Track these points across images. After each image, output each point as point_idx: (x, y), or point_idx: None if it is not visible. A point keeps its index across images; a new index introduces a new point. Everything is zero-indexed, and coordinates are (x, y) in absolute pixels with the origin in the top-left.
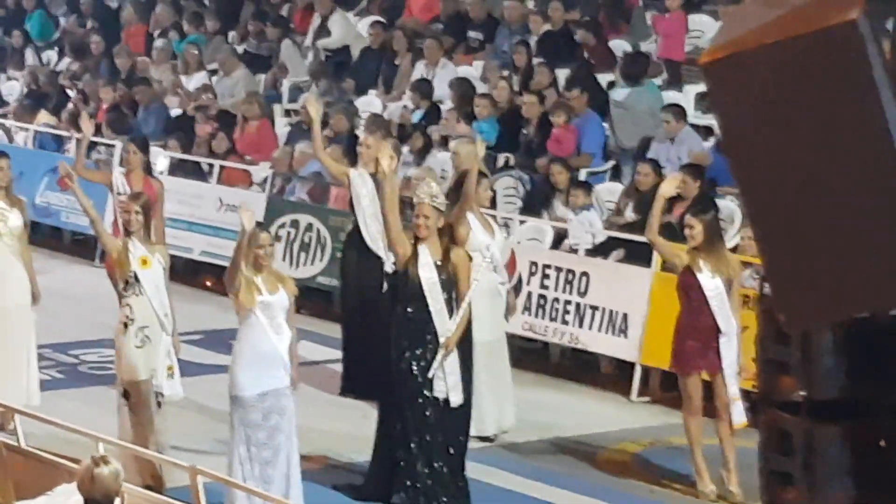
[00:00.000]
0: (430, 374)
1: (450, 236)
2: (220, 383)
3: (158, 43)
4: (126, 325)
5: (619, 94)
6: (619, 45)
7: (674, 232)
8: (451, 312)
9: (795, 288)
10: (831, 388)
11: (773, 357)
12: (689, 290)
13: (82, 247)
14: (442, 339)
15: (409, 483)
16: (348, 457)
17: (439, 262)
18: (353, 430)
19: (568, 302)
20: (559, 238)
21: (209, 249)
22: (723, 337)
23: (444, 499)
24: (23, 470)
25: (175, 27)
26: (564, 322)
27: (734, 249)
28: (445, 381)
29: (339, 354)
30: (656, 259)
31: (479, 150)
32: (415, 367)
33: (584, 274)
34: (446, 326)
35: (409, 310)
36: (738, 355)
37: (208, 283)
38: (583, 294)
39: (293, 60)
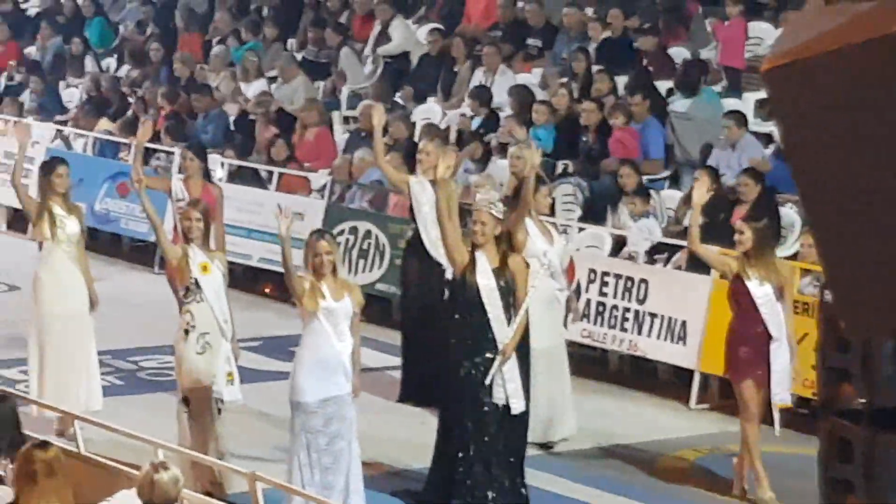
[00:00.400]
0: (488, 381)
1: (508, 243)
2: (279, 390)
3: (215, 50)
4: (187, 332)
5: (682, 104)
6: (679, 53)
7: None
8: (509, 319)
9: (857, 295)
10: (893, 396)
11: (834, 365)
12: (740, 297)
13: (141, 253)
14: (500, 346)
15: (467, 491)
16: (407, 463)
17: (497, 269)
18: (412, 436)
19: (627, 309)
20: (618, 245)
21: (268, 256)
22: (773, 343)
23: None
24: (82, 476)
25: (234, 34)
26: (623, 329)
27: (794, 257)
28: (505, 388)
29: (397, 361)
30: None
31: (535, 157)
32: (474, 374)
33: (643, 281)
34: (505, 333)
35: (467, 317)
36: (791, 360)
37: (267, 290)
38: (641, 301)
39: (352, 68)
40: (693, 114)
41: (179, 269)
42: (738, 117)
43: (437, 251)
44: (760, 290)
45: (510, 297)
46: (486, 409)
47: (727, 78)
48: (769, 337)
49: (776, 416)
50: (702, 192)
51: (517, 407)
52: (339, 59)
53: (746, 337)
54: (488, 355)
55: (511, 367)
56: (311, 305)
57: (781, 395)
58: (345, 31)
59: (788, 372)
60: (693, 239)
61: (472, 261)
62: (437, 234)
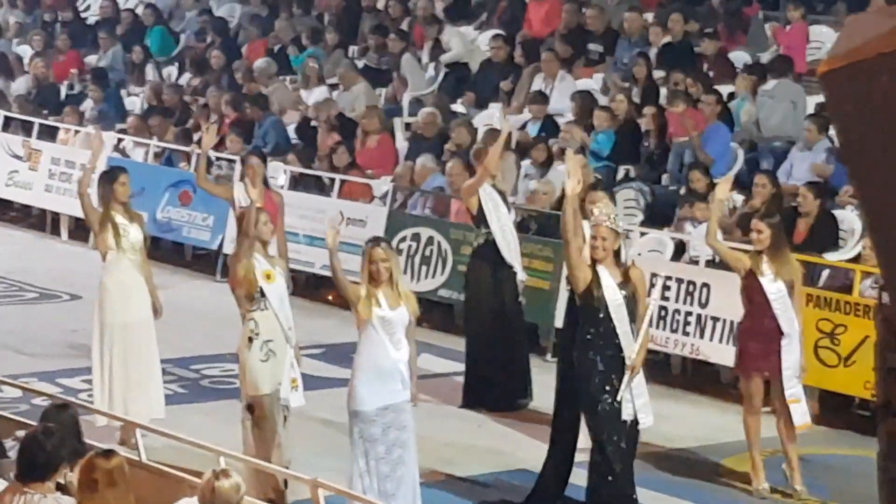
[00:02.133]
0: (619, 397)
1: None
2: (341, 397)
3: (259, 63)
4: (251, 340)
5: (768, 84)
6: (739, 57)
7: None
8: (634, 333)
9: None
10: None
11: (893, 366)
12: (752, 293)
13: (203, 262)
14: (628, 361)
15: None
16: (470, 469)
17: (621, 283)
18: (474, 442)
19: (689, 313)
20: (680, 250)
21: None
22: (784, 339)
23: None
24: (144, 484)
25: (294, 42)
26: (685, 333)
27: (855, 259)
28: (633, 403)
29: (459, 367)
30: None
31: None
32: (607, 391)
33: (705, 285)
34: (632, 348)
35: (596, 333)
36: (801, 357)
37: (329, 298)
38: (703, 305)
39: (413, 74)
40: (779, 95)
41: (247, 279)
42: (820, 122)
43: (510, 255)
44: (773, 287)
45: (634, 310)
46: (619, 426)
47: None
48: (780, 333)
49: (793, 412)
50: (725, 188)
51: (646, 422)
52: (401, 65)
53: (757, 332)
54: (618, 372)
55: (639, 382)
56: (366, 313)
57: (793, 391)
58: (406, 38)
59: (798, 368)
60: (710, 234)
61: (596, 276)
62: (514, 239)
